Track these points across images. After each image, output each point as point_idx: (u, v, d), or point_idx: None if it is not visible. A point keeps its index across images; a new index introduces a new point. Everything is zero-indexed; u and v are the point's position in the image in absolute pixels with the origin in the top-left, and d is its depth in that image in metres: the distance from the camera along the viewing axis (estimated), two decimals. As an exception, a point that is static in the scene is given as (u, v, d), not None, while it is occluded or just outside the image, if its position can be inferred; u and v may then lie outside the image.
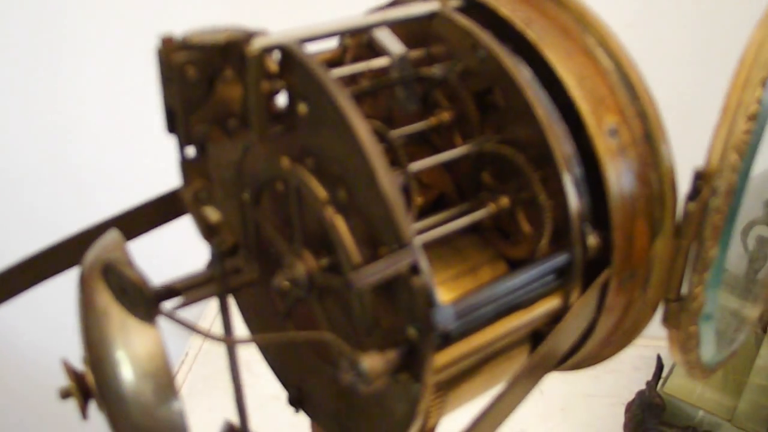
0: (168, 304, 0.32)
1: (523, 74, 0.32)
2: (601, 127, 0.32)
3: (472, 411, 0.33)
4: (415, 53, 0.34)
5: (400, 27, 0.35)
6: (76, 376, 0.34)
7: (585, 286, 0.33)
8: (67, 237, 0.40)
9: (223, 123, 0.29)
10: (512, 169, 0.32)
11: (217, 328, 1.05)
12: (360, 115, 0.27)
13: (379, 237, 0.28)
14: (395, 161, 0.31)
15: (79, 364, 0.35)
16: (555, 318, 0.33)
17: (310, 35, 0.31)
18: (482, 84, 0.33)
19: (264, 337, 0.34)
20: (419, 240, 0.27)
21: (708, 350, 0.39)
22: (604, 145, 0.32)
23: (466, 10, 0.34)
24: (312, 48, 0.31)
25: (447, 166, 0.35)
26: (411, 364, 0.28)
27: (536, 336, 0.35)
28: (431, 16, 0.34)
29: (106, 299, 0.32)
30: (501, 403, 0.31)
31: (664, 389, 0.76)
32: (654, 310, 0.36)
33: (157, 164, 0.92)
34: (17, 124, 1.00)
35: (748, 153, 0.34)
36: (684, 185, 0.34)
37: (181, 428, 0.32)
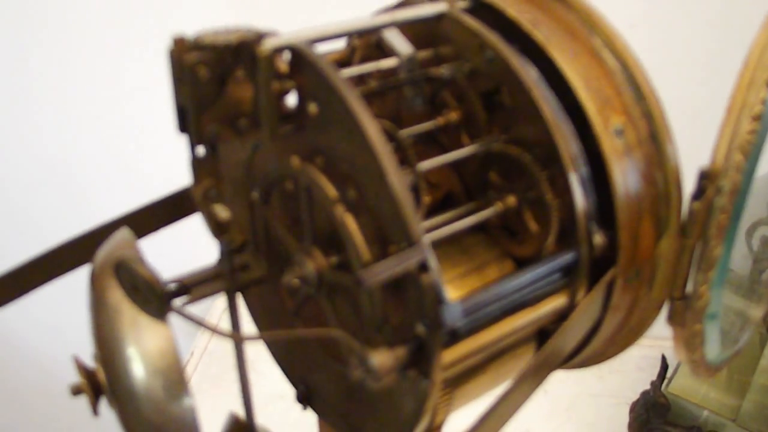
0: (178, 301, 0.32)
1: (530, 74, 0.32)
2: (607, 127, 0.33)
3: (477, 409, 0.34)
4: (423, 54, 0.35)
5: (408, 28, 0.35)
6: (87, 373, 0.34)
7: (591, 285, 0.34)
8: (78, 235, 0.40)
9: (234, 122, 0.30)
10: (519, 169, 0.33)
11: (224, 327, 1.05)
12: (370, 114, 0.27)
13: (389, 235, 0.28)
14: (404, 160, 0.31)
15: (85, 362, 0.35)
16: (561, 316, 0.34)
17: (320, 36, 0.32)
18: (489, 84, 0.33)
19: (274, 334, 0.34)
20: (428, 238, 0.28)
21: (712, 349, 0.40)
22: (610, 145, 0.33)
23: (474, 11, 0.34)
24: (320, 49, 0.32)
25: (454, 165, 0.36)
26: (419, 360, 0.29)
27: (542, 334, 0.35)
28: (439, 17, 0.34)
29: (117, 296, 0.32)
30: (507, 401, 0.32)
31: (668, 389, 0.76)
32: (659, 308, 0.37)
33: (157, 166, 0.92)
34: (16, 124, 1.01)
35: (753, 153, 0.34)
36: (689, 185, 0.35)
37: (192, 425, 0.32)
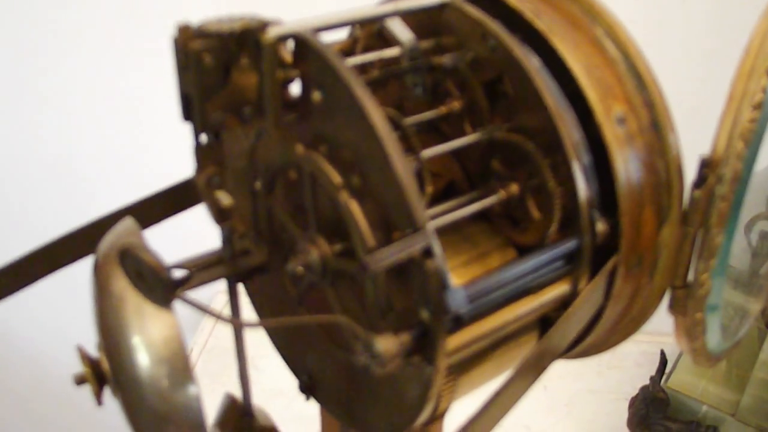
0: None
1: (532, 63, 0.32)
2: (609, 115, 0.33)
3: (479, 398, 0.34)
4: (426, 43, 0.35)
5: (410, 17, 0.35)
6: (90, 362, 0.35)
7: (593, 273, 0.34)
8: (81, 226, 0.40)
9: (239, 110, 0.30)
10: (522, 157, 0.33)
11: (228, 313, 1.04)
12: (375, 102, 0.28)
13: (393, 221, 0.28)
14: (408, 148, 0.31)
15: (89, 351, 0.35)
16: (564, 304, 0.34)
17: (323, 25, 0.32)
18: (492, 73, 0.33)
19: (278, 320, 0.35)
20: (432, 225, 0.28)
21: (713, 338, 0.40)
22: (612, 133, 0.33)
23: (476, 0, 0.35)
24: (322, 38, 0.32)
25: (456, 154, 0.36)
26: (424, 346, 0.29)
27: (544, 322, 0.36)
28: (441, 7, 0.34)
29: (122, 285, 0.32)
30: (510, 388, 0.32)
31: (667, 384, 0.76)
32: (661, 297, 0.37)
33: (157, 161, 0.92)
34: (17, 121, 1.01)
35: (754, 141, 0.34)
36: (690, 173, 0.35)
37: (197, 413, 0.32)
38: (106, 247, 0.34)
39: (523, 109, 0.33)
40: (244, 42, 0.29)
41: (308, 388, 0.39)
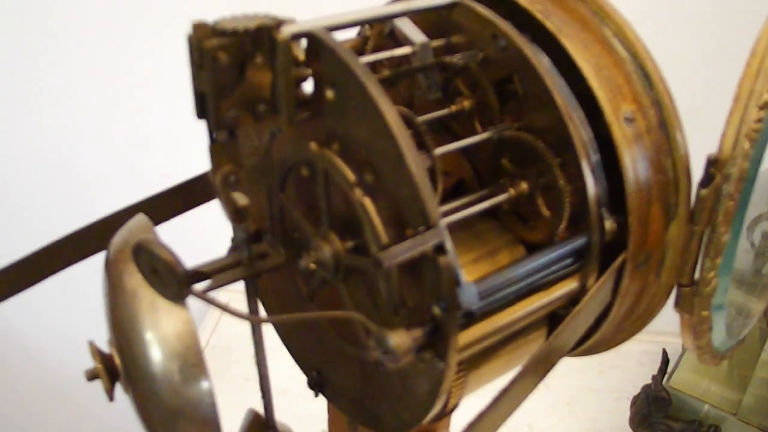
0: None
1: (542, 63, 0.33)
2: (617, 114, 0.33)
3: (486, 394, 0.34)
4: (436, 43, 0.35)
5: (420, 17, 0.36)
6: (103, 358, 0.35)
7: (601, 271, 0.34)
8: (90, 224, 0.40)
9: (253, 108, 0.30)
10: (531, 155, 0.33)
11: (228, 321, 1.05)
12: (388, 99, 0.28)
13: (405, 219, 0.28)
14: (420, 146, 0.31)
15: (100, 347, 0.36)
16: (572, 301, 0.34)
17: (335, 24, 0.32)
18: (502, 72, 0.34)
19: (292, 316, 0.35)
20: (444, 222, 0.28)
21: (719, 336, 0.40)
22: (620, 132, 0.33)
23: (485, 0, 0.35)
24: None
25: (466, 153, 0.36)
26: (435, 342, 0.29)
27: (553, 319, 0.36)
28: (451, 6, 0.35)
29: (135, 281, 0.32)
30: (519, 384, 0.32)
31: (669, 383, 0.77)
32: (667, 295, 0.37)
33: (160, 162, 0.93)
34: (19, 121, 1.01)
35: (760, 141, 0.35)
36: (697, 172, 0.35)
37: (210, 408, 0.32)
38: (119, 244, 0.34)
39: (533, 108, 0.33)
40: (259, 40, 0.29)
41: (317, 385, 0.39)
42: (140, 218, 0.35)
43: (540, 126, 0.33)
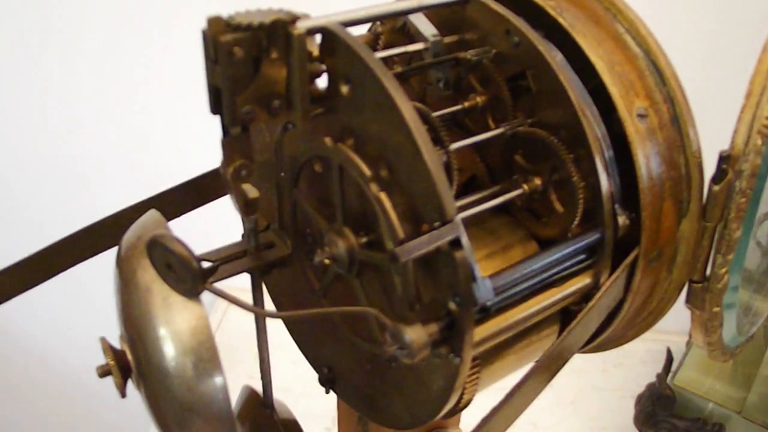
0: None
1: (556, 59, 0.33)
2: (630, 110, 0.33)
3: (493, 391, 0.34)
4: (449, 39, 0.35)
5: (432, 14, 0.36)
6: (114, 354, 0.35)
7: (613, 268, 0.34)
8: (101, 220, 0.40)
9: (268, 103, 0.30)
10: (545, 151, 0.33)
11: (231, 320, 1.05)
12: (404, 94, 0.28)
13: (421, 214, 0.28)
14: (436, 141, 0.31)
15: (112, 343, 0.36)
16: (585, 296, 0.34)
17: (349, 20, 0.32)
18: (515, 68, 0.34)
19: (306, 312, 0.35)
20: (460, 217, 0.28)
21: (729, 333, 0.40)
22: (633, 128, 0.33)
23: (498, -3, 0.35)
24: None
25: (479, 149, 0.36)
26: (451, 337, 0.29)
27: (565, 316, 0.36)
28: (464, 3, 0.35)
29: (149, 276, 0.32)
30: (533, 380, 0.32)
31: (674, 382, 0.77)
32: (679, 291, 0.37)
33: (162, 161, 0.93)
34: (22, 120, 1.01)
35: (772, 137, 0.35)
36: (709, 169, 0.35)
37: (223, 403, 0.32)
38: (132, 239, 0.34)
39: (546, 104, 0.33)
40: (274, 35, 0.29)
41: (328, 381, 0.39)
42: (153, 214, 0.35)
43: (553, 122, 0.33)
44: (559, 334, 0.36)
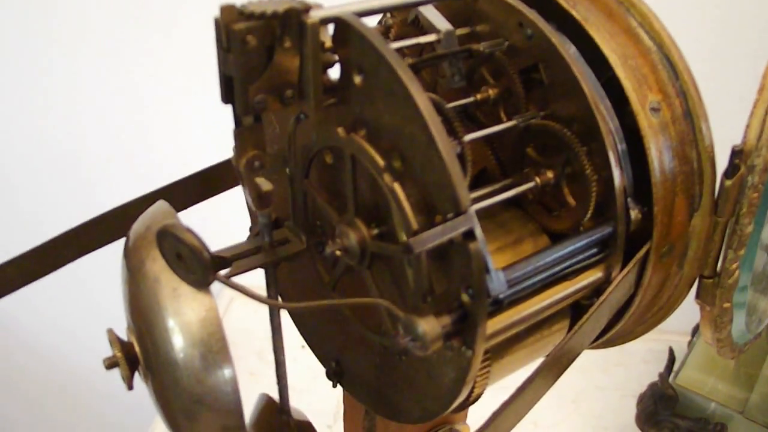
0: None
1: (569, 51, 0.33)
2: (644, 104, 0.33)
3: (503, 388, 0.34)
4: (460, 31, 0.35)
5: (444, 6, 0.36)
6: (122, 346, 0.35)
7: (624, 263, 0.34)
8: (108, 211, 0.40)
9: (280, 93, 0.30)
10: (557, 144, 0.33)
11: (232, 317, 1.05)
12: (419, 84, 0.28)
13: (435, 205, 0.28)
14: (450, 132, 0.31)
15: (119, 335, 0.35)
16: (596, 291, 0.34)
17: (362, 10, 0.32)
18: (528, 61, 0.33)
19: (318, 303, 0.35)
20: (474, 207, 0.28)
21: (738, 329, 0.40)
22: (646, 121, 0.33)
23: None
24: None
25: (490, 142, 0.36)
26: (463, 330, 0.29)
27: (575, 311, 0.36)
28: (477, -5, 0.34)
29: (158, 266, 0.32)
30: (544, 373, 0.32)
31: (676, 381, 0.77)
32: (689, 286, 0.37)
33: (165, 157, 0.92)
34: (24, 116, 1.01)
35: (785, 132, 0.35)
36: (721, 163, 0.35)
37: (232, 395, 0.32)
38: (141, 230, 0.34)
39: (559, 97, 0.33)
40: (287, 23, 0.29)
41: (336, 375, 0.39)
42: (162, 204, 0.34)
43: (566, 115, 0.33)
44: (570, 329, 0.36)
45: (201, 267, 0.30)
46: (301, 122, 0.33)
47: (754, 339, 0.44)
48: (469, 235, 0.27)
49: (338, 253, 0.32)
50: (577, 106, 0.32)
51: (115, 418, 1.18)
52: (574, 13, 0.34)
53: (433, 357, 0.31)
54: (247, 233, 0.38)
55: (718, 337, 0.39)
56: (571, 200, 0.34)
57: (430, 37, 0.34)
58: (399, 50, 0.35)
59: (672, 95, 0.34)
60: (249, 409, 0.43)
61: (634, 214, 0.33)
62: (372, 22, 0.37)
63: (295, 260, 0.35)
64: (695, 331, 0.85)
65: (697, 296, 0.37)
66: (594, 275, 0.33)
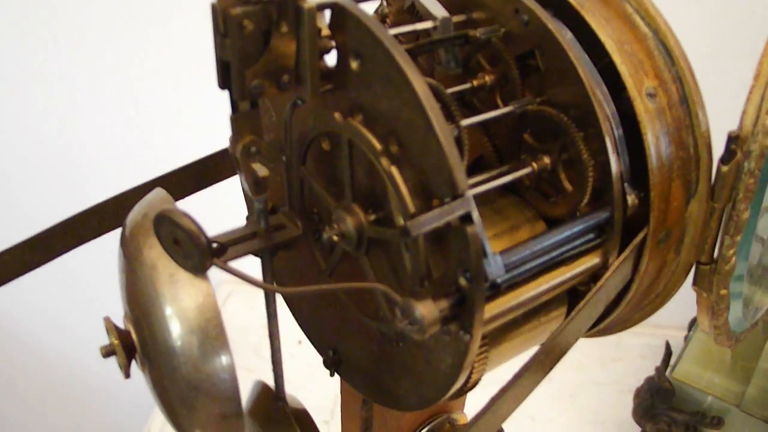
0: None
1: (566, 37, 0.33)
2: (640, 90, 0.33)
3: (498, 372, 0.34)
4: (456, 18, 0.35)
5: (440, -6, 0.36)
6: (119, 334, 0.34)
7: (622, 249, 0.34)
8: (105, 200, 0.40)
9: (277, 78, 0.30)
10: (554, 130, 0.33)
11: (228, 313, 1.05)
12: (416, 69, 0.28)
13: (432, 189, 0.28)
14: (447, 117, 0.31)
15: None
16: (593, 277, 0.34)
17: (359, -4, 0.32)
18: (524, 47, 0.34)
19: (315, 288, 0.35)
20: (471, 191, 0.28)
21: (735, 317, 0.40)
22: (643, 107, 0.33)
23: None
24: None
25: (486, 129, 0.36)
26: (461, 314, 0.29)
27: (573, 298, 0.36)
28: (473, -18, 0.34)
29: (154, 253, 0.32)
30: (542, 358, 0.32)
31: (672, 375, 0.77)
32: (686, 273, 0.37)
33: (159, 154, 0.92)
34: (19, 114, 1.00)
35: (781, 118, 0.35)
36: (718, 149, 0.35)
37: (230, 382, 0.32)
38: (137, 217, 0.34)
39: (555, 83, 0.33)
40: (284, 8, 0.29)
41: (333, 364, 0.39)
42: (159, 191, 0.34)
43: (563, 101, 0.33)
44: (567, 316, 0.36)
45: (198, 252, 0.29)
46: (297, 108, 0.33)
47: (751, 328, 0.45)
48: (467, 218, 0.27)
49: (335, 238, 0.32)
50: (573, 92, 0.32)
51: (111, 417, 1.18)
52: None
53: (430, 342, 0.31)
54: (245, 223, 0.38)
55: (715, 325, 0.39)
56: (568, 186, 0.34)
57: (427, 24, 0.34)
58: (395, 37, 0.35)
59: (668, 81, 0.34)
60: (245, 398, 0.42)
61: (631, 199, 0.33)
62: (368, 11, 0.37)
63: (292, 248, 0.35)
64: (692, 325, 0.85)
65: (694, 283, 0.37)
66: (591, 261, 0.33)
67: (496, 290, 0.30)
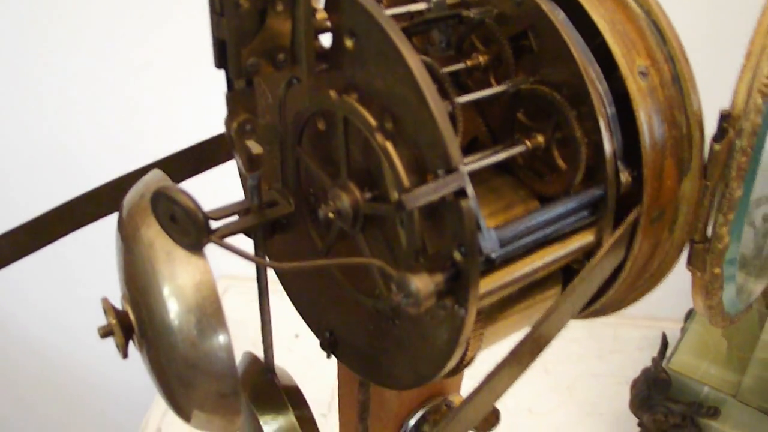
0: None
1: (559, 17, 0.33)
2: (632, 69, 0.34)
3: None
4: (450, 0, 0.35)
5: (434, -24, 0.36)
6: (117, 314, 0.35)
7: (615, 226, 0.34)
8: (102, 185, 0.40)
9: (273, 57, 0.30)
10: (548, 108, 0.33)
11: (226, 303, 1.04)
12: (410, 46, 0.28)
13: (426, 164, 0.29)
14: (442, 94, 0.31)
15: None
16: (587, 254, 0.34)
17: (353, -23, 0.32)
18: (518, 27, 0.34)
19: (311, 263, 0.35)
20: (466, 167, 0.28)
21: (730, 295, 0.40)
22: (635, 85, 0.33)
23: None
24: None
25: (480, 110, 0.36)
26: (456, 289, 0.29)
27: (567, 276, 0.36)
28: (467, -36, 0.35)
29: (152, 232, 0.32)
30: (539, 331, 0.32)
31: (669, 365, 0.77)
32: (680, 251, 0.37)
33: (156, 148, 0.92)
34: (16, 109, 1.01)
35: (772, 97, 0.35)
36: (710, 128, 0.35)
37: (227, 360, 0.32)
38: (135, 197, 0.34)
39: (548, 62, 0.33)
40: (279, -14, 0.29)
41: (330, 345, 0.39)
42: (156, 172, 0.35)
43: (556, 80, 0.33)
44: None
45: (195, 228, 0.30)
46: (292, 87, 0.33)
47: (746, 310, 0.45)
48: (461, 192, 0.28)
49: (331, 215, 0.32)
50: (566, 71, 0.33)
51: (108, 413, 1.18)
52: (562, -20, 0.34)
53: (425, 319, 0.31)
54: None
55: (710, 305, 0.39)
56: (561, 164, 0.34)
57: (420, 5, 0.34)
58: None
59: (660, 60, 0.34)
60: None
61: (625, 176, 0.33)
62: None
63: (288, 231, 0.36)
64: (688, 316, 0.85)
65: (689, 262, 0.38)
66: (585, 238, 0.34)
67: (491, 265, 0.30)
